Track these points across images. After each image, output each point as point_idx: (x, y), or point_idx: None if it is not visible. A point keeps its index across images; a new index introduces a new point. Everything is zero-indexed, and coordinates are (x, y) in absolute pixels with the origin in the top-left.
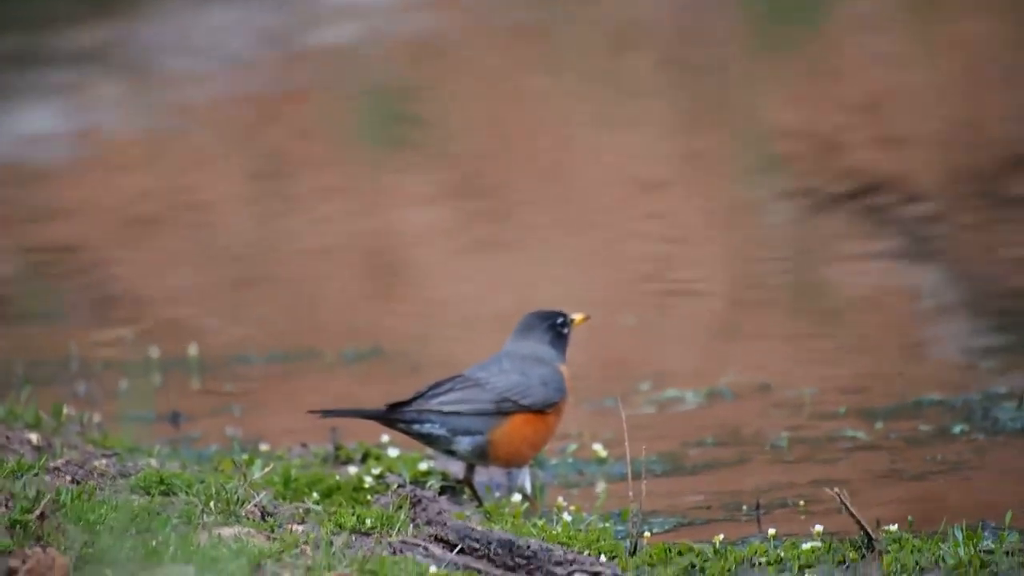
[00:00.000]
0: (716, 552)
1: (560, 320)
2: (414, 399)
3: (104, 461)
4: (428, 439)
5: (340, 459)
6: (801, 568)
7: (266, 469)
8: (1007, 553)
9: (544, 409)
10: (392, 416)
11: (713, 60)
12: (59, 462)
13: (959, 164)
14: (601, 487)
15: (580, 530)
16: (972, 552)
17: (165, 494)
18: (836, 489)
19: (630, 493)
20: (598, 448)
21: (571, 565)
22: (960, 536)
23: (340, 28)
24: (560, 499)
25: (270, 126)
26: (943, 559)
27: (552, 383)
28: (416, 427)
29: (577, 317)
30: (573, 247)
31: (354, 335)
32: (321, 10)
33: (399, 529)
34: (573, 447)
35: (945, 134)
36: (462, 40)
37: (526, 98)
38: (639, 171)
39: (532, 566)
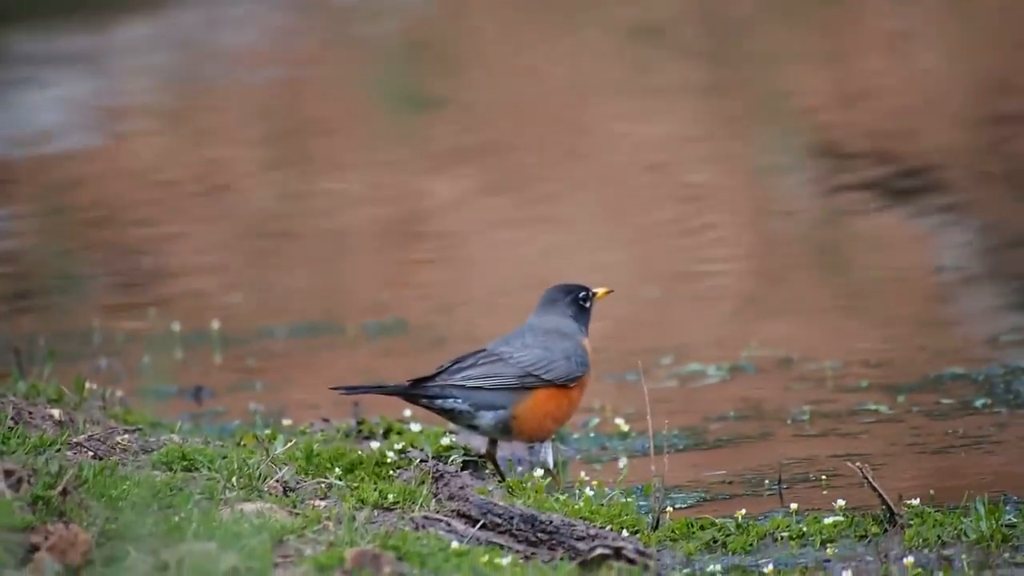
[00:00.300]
0: (738, 527)
1: (583, 294)
2: (437, 374)
3: (126, 436)
4: (451, 414)
5: (362, 434)
6: (823, 543)
7: (288, 444)
8: None
9: (567, 383)
10: (415, 392)
11: (735, 34)
12: (81, 437)
13: (984, 136)
14: (623, 462)
15: (602, 505)
16: (994, 526)
17: (187, 470)
18: (858, 463)
19: (652, 468)
20: (620, 423)
21: (593, 540)
22: (982, 510)
23: (364, 5)
24: (582, 474)
25: (292, 99)
26: (965, 533)
27: (575, 357)
28: (439, 402)
29: (600, 291)
30: (596, 221)
31: (377, 309)
32: None
33: (421, 504)
34: (595, 421)
35: (970, 105)
36: (486, 16)
37: (549, 73)
38: (662, 146)
39: (554, 541)
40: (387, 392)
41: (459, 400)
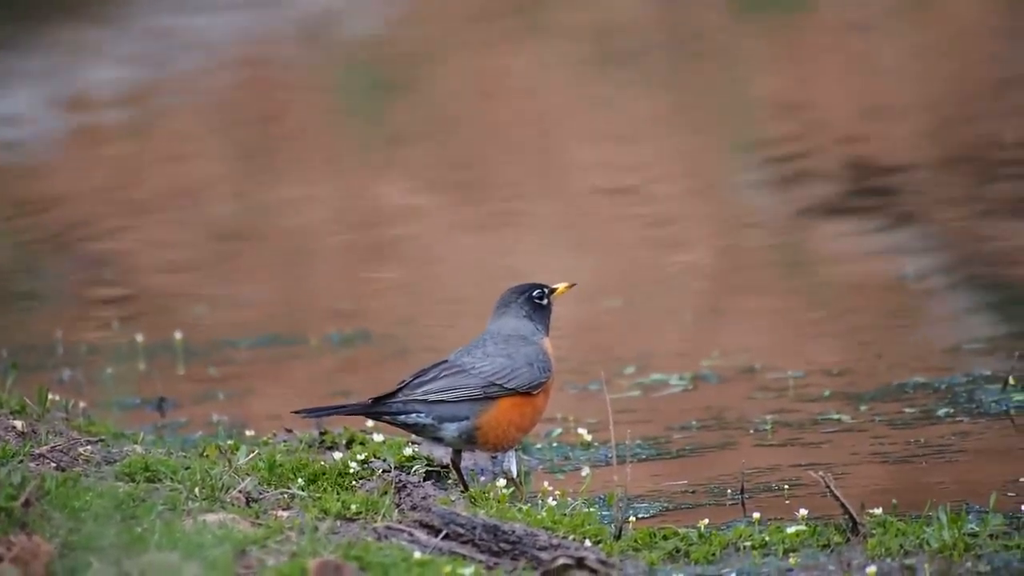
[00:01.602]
0: (701, 536)
1: (536, 292)
2: (399, 390)
3: (89, 448)
4: (415, 428)
5: (325, 445)
6: (786, 552)
7: (251, 455)
8: (991, 536)
9: (531, 390)
10: (378, 409)
11: (698, 40)
12: (44, 449)
13: (948, 143)
14: (586, 471)
15: (565, 515)
16: (957, 535)
17: (150, 480)
18: (821, 473)
19: (615, 477)
20: (583, 432)
21: (556, 550)
22: (944, 519)
23: (331, 12)
24: (545, 484)
25: (255, 106)
26: (927, 542)
27: (538, 363)
28: (402, 418)
29: (560, 287)
30: (559, 231)
31: (340, 318)
32: None
33: (384, 514)
34: (558, 431)
35: (934, 110)
36: (449, 24)
37: (511, 81)
38: (625, 151)
39: (517, 551)
40: (350, 412)
41: (422, 414)
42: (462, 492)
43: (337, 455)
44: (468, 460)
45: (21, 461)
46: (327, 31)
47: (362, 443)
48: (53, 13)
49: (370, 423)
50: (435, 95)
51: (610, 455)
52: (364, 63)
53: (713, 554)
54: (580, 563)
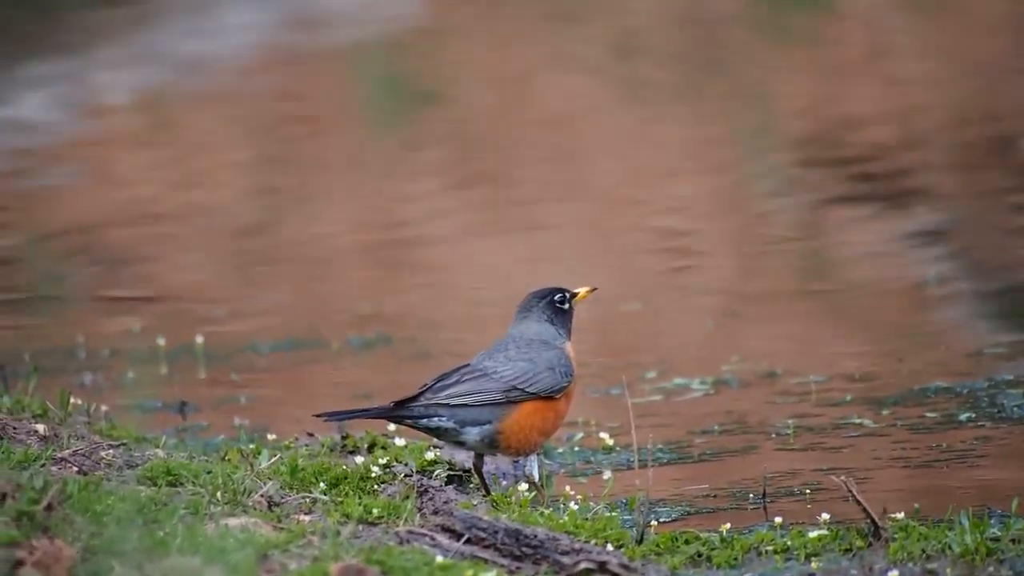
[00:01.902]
0: (723, 541)
1: (558, 296)
2: (420, 394)
3: (111, 451)
4: (437, 432)
5: (347, 448)
6: (808, 556)
7: (273, 459)
8: (1013, 540)
9: (553, 395)
10: (400, 413)
11: (719, 45)
12: (66, 453)
13: (968, 150)
14: (608, 476)
15: (587, 519)
16: (979, 539)
17: (172, 485)
18: (843, 477)
19: (637, 482)
20: (604, 437)
21: (578, 554)
22: (967, 524)
23: (350, 15)
24: (567, 488)
25: (276, 111)
26: (949, 547)
27: (559, 367)
28: (424, 422)
29: (581, 291)
30: (581, 233)
31: (361, 322)
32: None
33: (406, 519)
34: (580, 436)
35: (956, 116)
36: (469, 30)
37: (533, 86)
38: (646, 156)
39: (539, 555)
40: (371, 416)
41: (444, 418)
42: (484, 496)
43: (359, 459)
44: (490, 464)
45: (43, 465)
46: (348, 35)
47: (384, 447)
48: (73, 12)
49: (392, 427)
50: (458, 101)
51: (632, 459)
52: (386, 69)
53: (735, 559)
54: (602, 567)
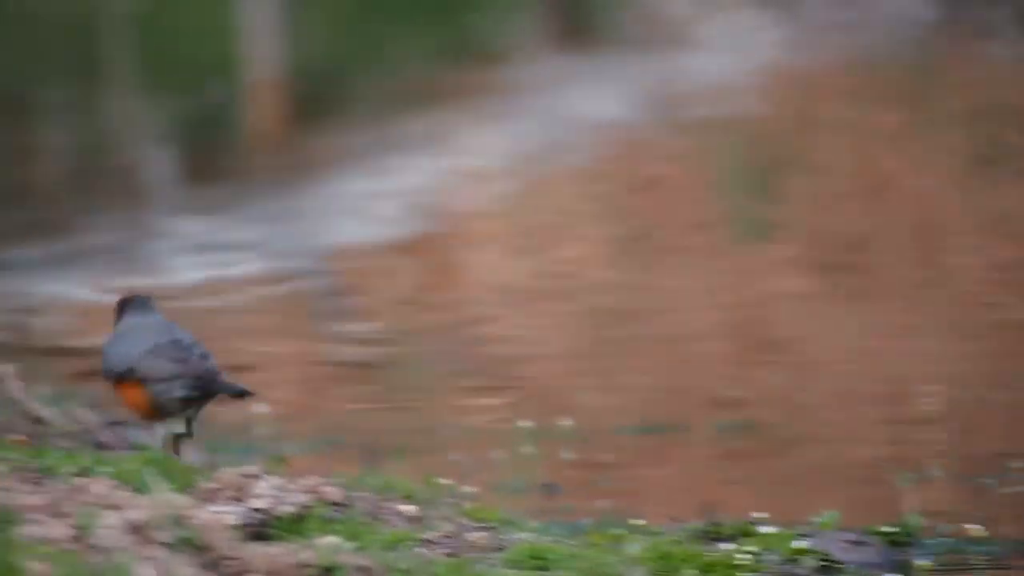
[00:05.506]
0: None
1: None
2: None
3: (478, 534)
4: None
5: (713, 535)
6: None
7: (639, 544)
8: None
9: None
10: None
11: None
12: (433, 534)
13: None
14: None
15: None
16: None
17: (539, 568)
18: None
19: None
20: None
21: None
22: None
23: (705, 95)
24: None
25: (635, 190)
26: None
27: None
28: None
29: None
30: (944, 326)
31: (723, 404)
32: (691, 74)
33: None
34: None
35: None
36: (823, 100)
37: (891, 165)
38: (1010, 249)
39: None
40: None
41: None
42: None
43: (726, 546)
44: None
45: (412, 547)
46: (703, 113)
47: (751, 535)
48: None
49: (758, 514)
50: (807, 178)
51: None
52: (745, 150)
53: None
54: None
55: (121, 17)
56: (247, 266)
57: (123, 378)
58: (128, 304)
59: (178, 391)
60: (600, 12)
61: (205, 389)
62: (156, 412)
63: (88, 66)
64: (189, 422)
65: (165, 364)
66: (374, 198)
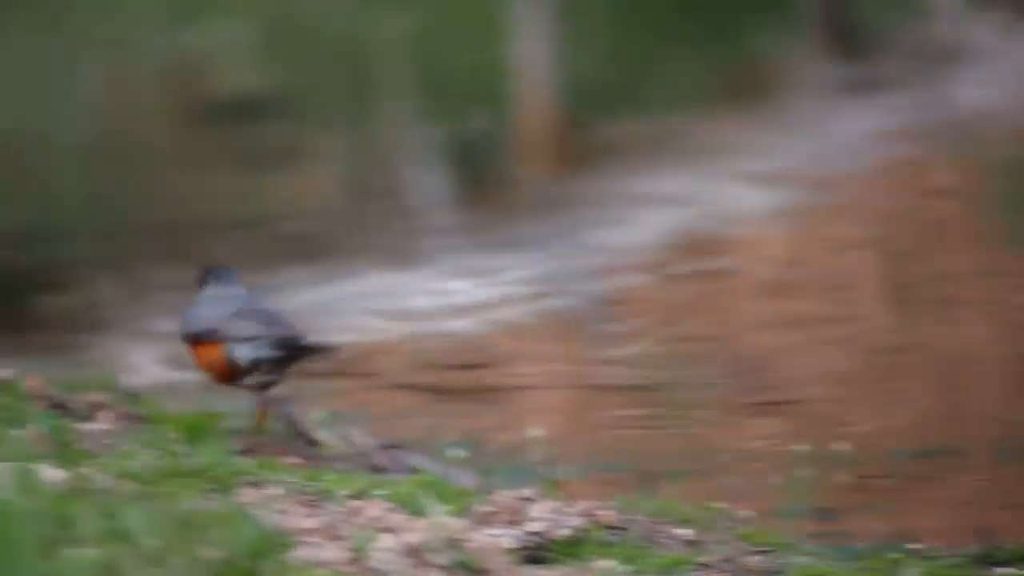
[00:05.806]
0: None
1: None
2: None
3: (756, 558)
4: None
5: (991, 560)
6: None
7: (915, 569)
8: None
9: None
10: None
11: None
12: (710, 558)
13: None
14: None
15: None
16: None
17: None
18: None
19: None
20: None
21: None
22: None
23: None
24: None
25: (918, 212)
26: None
27: None
28: None
29: None
30: None
31: (1004, 429)
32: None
33: None
34: None
35: None
36: None
37: None
38: None
39: None
40: None
41: None
42: None
43: (1003, 571)
44: None
45: (688, 571)
46: (980, 126)
47: None
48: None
49: None
50: None
51: None
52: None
53: None
54: None
55: (395, 41)
56: (515, 288)
57: (202, 339)
58: (211, 274)
59: (261, 351)
60: (876, 28)
61: (289, 348)
62: (233, 373)
63: (361, 87)
64: (273, 399)
65: (250, 325)
66: (644, 220)
